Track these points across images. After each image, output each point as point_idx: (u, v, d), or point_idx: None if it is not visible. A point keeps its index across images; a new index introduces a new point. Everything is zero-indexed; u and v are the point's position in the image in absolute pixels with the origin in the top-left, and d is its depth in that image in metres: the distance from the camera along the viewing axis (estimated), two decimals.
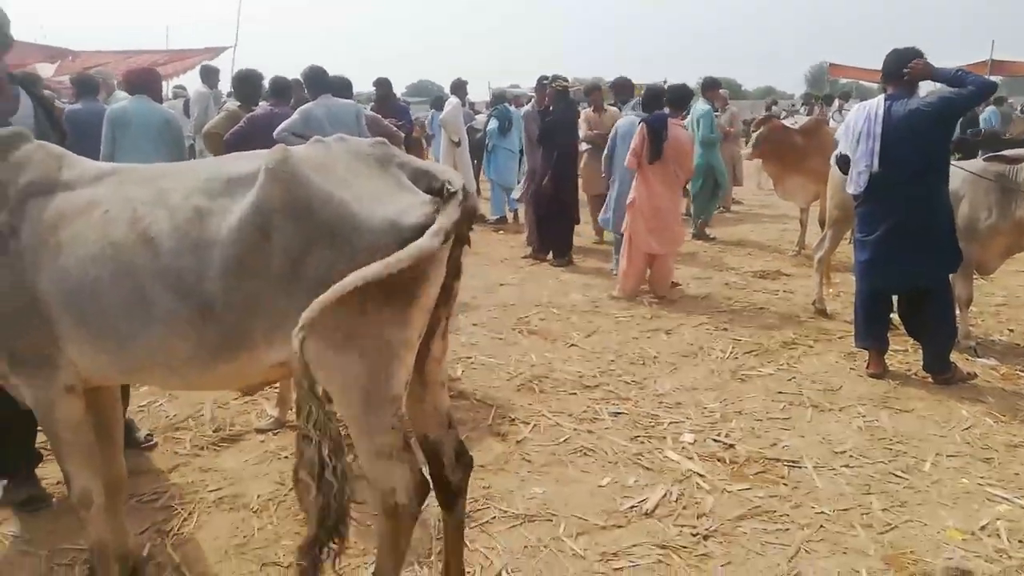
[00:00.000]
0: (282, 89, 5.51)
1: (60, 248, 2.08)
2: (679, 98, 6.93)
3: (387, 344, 1.95)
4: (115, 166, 2.33)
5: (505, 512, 3.10)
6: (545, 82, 8.03)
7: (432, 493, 2.25)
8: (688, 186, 8.49)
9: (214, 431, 3.95)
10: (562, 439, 3.79)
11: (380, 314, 1.91)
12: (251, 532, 3.00)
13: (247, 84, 6.01)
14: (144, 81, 5.76)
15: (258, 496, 3.27)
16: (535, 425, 3.96)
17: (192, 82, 12.04)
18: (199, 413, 4.14)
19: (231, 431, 3.95)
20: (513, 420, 4.02)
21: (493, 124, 9.68)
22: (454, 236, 1.94)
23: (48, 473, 3.34)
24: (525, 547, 2.86)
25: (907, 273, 4.40)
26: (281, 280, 1.92)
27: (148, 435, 3.81)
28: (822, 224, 6.89)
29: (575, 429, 3.90)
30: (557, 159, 7.65)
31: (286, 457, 3.64)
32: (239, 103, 6.00)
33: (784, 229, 9.67)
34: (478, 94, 16.09)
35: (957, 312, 4.89)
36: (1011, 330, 5.54)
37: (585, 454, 3.63)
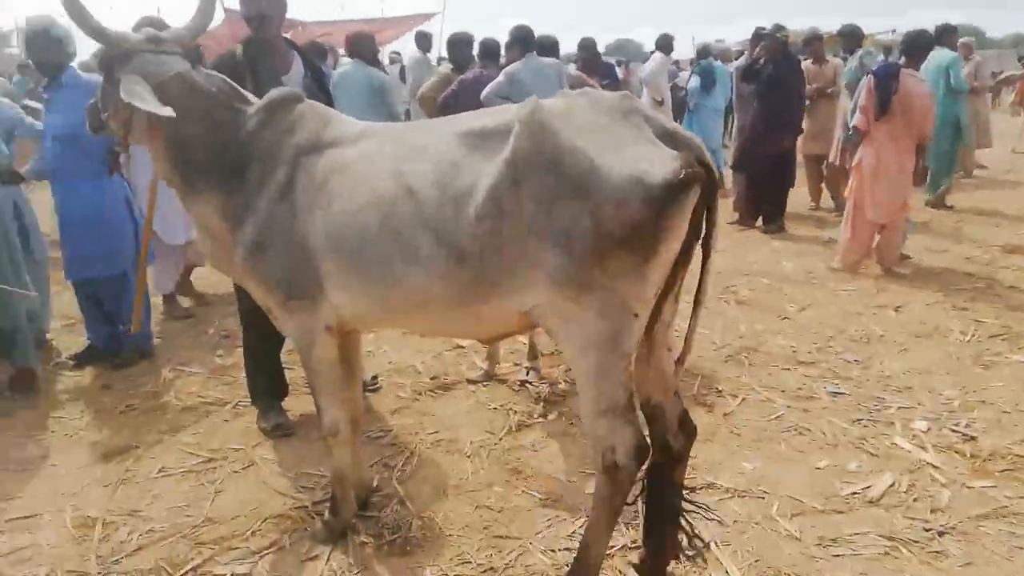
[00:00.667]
0: (491, 51, 5.62)
1: (330, 200, 2.29)
2: (915, 46, 6.11)
3: (623, 299, 1.96)
4: (372, 125, 2.52)
5: (713, 484, 3.03)
6: (763, 32, 7.51)
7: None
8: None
9: (431, 379, 4.22)
10: (774, 415, 3.63)
11: (619, 268, 1.92)
12: (465, 475, 3.19)
13: (458, 48, 6.23)
14: (357, 45, 6.15)
15: (471, 442, 3.46)
16: (744, 399, 3.82)
17: (406, 48, 12.71)
18: (419, 361, 4.45)
19: (445, 380, 4.20)
20: (720, 392, 3.91)
21: (695, 82, 9.20)
22: (698, 194, 1.92)
23: (291, 406, 3.77)
24: (735, 522, 2.79)
25: None
26: (530, 228, 1.98)
27: (374, 378, 4.16)
28: None
29: (788, 406, 3.71)
30: (774, 116, 7.17)
31: (494, 408, 3.83)
32: (452, 66, 6.25)
33: None
34: (682, 51, 15.39)
35: None
36: None
37: (800, 433, 3.45)
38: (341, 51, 7.91)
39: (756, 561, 2.54)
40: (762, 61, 7.33)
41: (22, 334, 4.09)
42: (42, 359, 4.42)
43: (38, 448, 3.48)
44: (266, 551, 2.69)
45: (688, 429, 2.34)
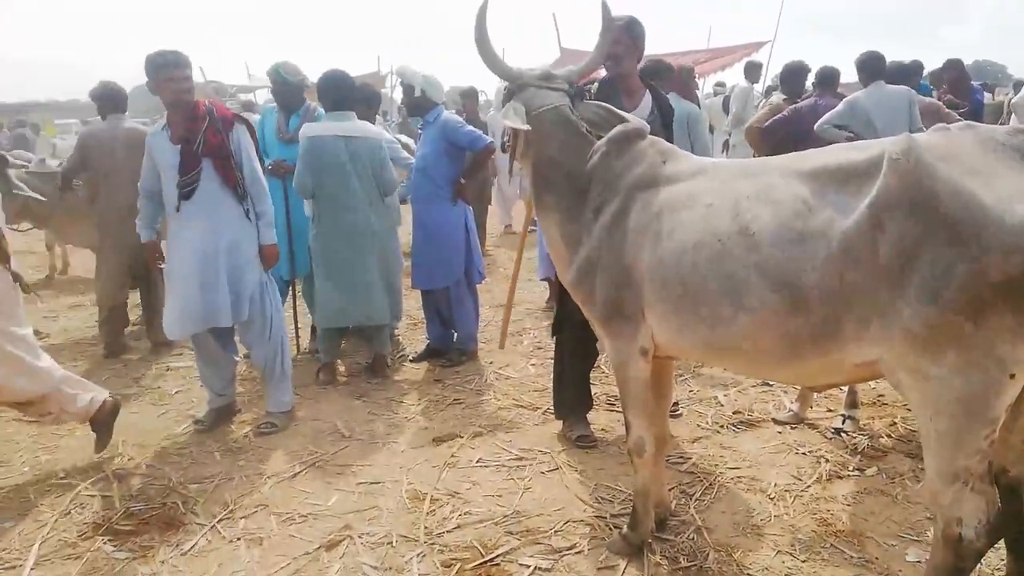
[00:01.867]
0: (828, 79, 5.37)
1: (660, 236, 2.37)
2: None
3: (999, 359, 1.76)
4: (713, 161, 2.56)
5: None
6: None
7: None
8: None
9: (733, 413, 4.13)
10: None
11: (998, 323, 1.73)
12: (768, 516, 3.06)
13: (792, 76, 6.02)
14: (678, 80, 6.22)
15: (775, 484, 3.31)
16: None
17: (733, 78, 12.55)
18: (722, 393, 4.38)
19: (749, 416, 4.07)
20: None
21: None
22: None
23: (593, 419, 3.95)
24: None
25: None
26: (887, 273, 1.86)
27: (675, 404, 4.17)
28: None
29: None
30: None
31: (802, 453, 3.62)
32: (784, 96, 6.06)
33: None
34: None
35: None
36: None
37: None
38: None
39: None
40: None
41: (383, 327, 4.86)
42: (392, 351, 5.17)
43: (383, 426, 4.08)
44: (566, 551, 2.85)
45: None
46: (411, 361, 5.17)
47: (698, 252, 2.23)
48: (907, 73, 5.86)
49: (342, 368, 4.98)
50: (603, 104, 2.88)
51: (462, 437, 3.87)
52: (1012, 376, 1.75)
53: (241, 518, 3.14)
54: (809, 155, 2.19)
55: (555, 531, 2.99)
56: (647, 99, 3.65)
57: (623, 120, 2.73)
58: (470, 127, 5.00)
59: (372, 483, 3.44)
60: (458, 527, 3.04)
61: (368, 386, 4.67)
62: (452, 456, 3.66)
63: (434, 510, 3.17)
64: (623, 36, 3.53)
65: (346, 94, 4.59)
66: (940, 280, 1.75)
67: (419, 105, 4.92)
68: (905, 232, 1.81)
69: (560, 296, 3.87)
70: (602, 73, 3.69)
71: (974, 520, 1.87)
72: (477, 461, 3.61)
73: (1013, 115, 8.69)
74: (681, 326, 2.36)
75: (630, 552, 2.80)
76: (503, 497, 3.27)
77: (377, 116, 6.03)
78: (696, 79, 9.14)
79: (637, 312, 2.49)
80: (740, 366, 2.46)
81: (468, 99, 9.31)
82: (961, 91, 7.01)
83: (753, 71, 9.28)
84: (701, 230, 2.25)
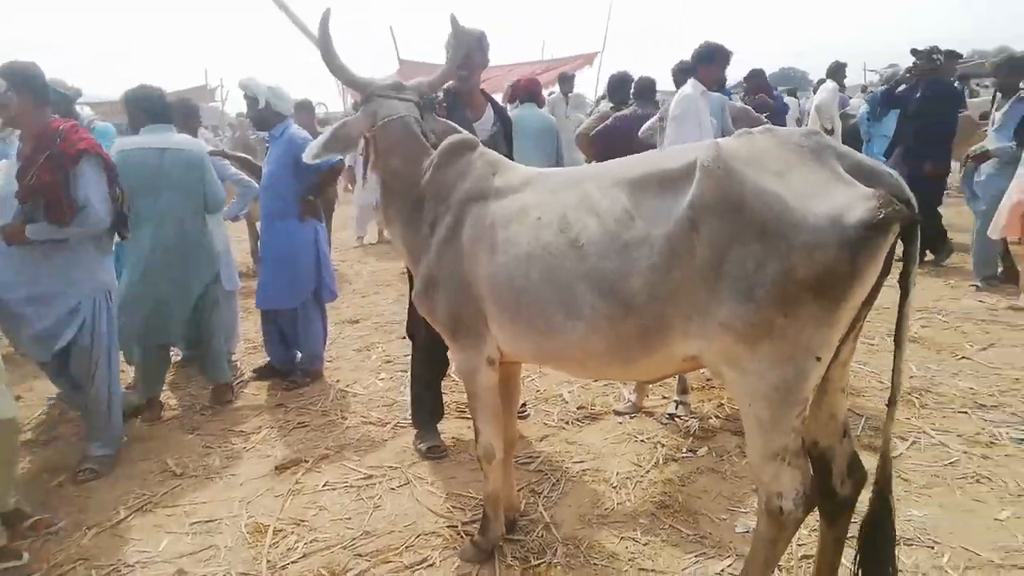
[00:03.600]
0: (645, 89, 5.71)
1: (495, 248, 2.41)
2: None
3: (807, 345, 1.88)
4: (542, 172, 2.60)
5: None
6: (917, 53, 7.06)
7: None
8: None
9: (577, 408, 4.26)
10: (948, 461, 3.35)
11: (806, 314, 1.84)
12: (611, 505, 3.18)
13: (617, 86, 6.33)
14: (530, 91, 6.50)
15: (617, 473, 3.45)
16: (914, 442, 3.55)
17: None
18: (567, 391, 4.51)
19: (592, 410, 4.22)
20: None
21: (864, 108, 8.76)
22: (896, 232, 1.81)
23: (443, 429, 3.94)
24: (900, 572, 2.59)
25: None
26: (704, 273, 1.94)
27: (523, 405, 4.25)
28: None
29: (965, 452, 3.41)
30: (925, 141, 6.68)
31: (641, 440, 3.80)
32: (611, 105, 6.37)
33: None
34: (854, 79, 14.66)
35: None
36: None
37: (978, 481, 3.16)
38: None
39: None
40: (903, 86, 7.04)
41: (220, 355, 4.59)
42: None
43: (220, 459, 3.85)
44: (418, 566, 2.82)
45: (858, 476, 2.21)
46: (252, 372, 5.00)
47: (530, 265, 2.29)
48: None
49: (173, 401, 4.66)
50: (447, 121, 2.93)
51: (307, 462, 3.72)
52: (818, 359, 1.89)
53: None
54: (628, 163, 2.27)
55: (407, 547, 2.94)
56: (489, 111, 3.72)
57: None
58: None
59: (207, 521, 3.23)
60: (304, 556, 2.92)
61: (202, 418, 4.39)
62: (296, 483, 3.52)
63: (277, 542, 3.03)
64: (477, 50, 3.59)
65: (155, 107, 4.30)
66: (753, 278, 1.84)
67: (264, 118, 4.76)
68: (718, 234, 1.89)
69: (411, 303, 3.84)
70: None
71: (792, 492, 2.01)
72: (324, 485, 3.49)
73: (812, 116, 9.64)
74: (521, 336, 2.41)
75: (482, 558, 2.81)
76: (352, 519, 3.18)
77: (203, 130, 5.71)
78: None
79: (480, 324, 2.52)
80: (578, 369, 2.53)
81: (303, 112, 9.00)
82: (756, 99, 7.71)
83: (566, 83, 9.78)
84: (532, 243, 2.30)
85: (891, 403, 2.05)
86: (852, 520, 2.23)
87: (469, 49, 3.55)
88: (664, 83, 5.96)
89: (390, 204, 2.81)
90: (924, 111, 6.64)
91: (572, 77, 10.09)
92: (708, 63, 4.82)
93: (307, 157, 2.70)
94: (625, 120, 5.44)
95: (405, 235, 2.76)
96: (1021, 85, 5.85)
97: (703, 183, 1.94)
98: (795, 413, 1.95)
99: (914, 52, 6.93)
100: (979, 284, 6.13)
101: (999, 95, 6.38)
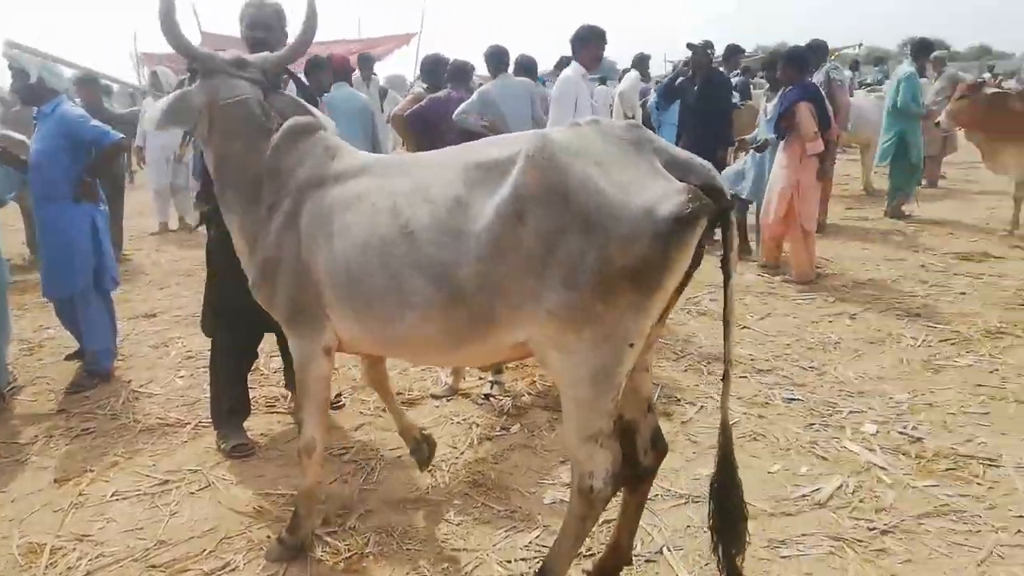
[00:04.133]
0: (458, 72, 5.73)
1: (332, 235, 2.35)
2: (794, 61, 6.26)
3: (624, 331, 1.96)
4: (380, 158, 2.61)
5: (669, 491, 3.08)
6: (692, 46, 7.31)
7: None
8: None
9: (395, 395, 4.22)
10: (731, 423, 3.68)
11: (623, 302, 1.92)
12: (426, 489, 3.20)
13: (432, 68, 6.33)
14: (344, 70, 6.32)
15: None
16: (702, 407, 3.88)
17: (384, 70, 12.79)
18: None
19: (410, 395, 4.20)
20: (679, 400, 3.96)
21: (653, 98, 9.33)
22: (705, 224, 1.92)
23: (250, 425, 3.76)
24: (688, 527, 2.83)
25: None
26: (531, 263, 1.97)
27: (338, 396, 4.16)
28: None
29: (745, 413, 3.78)
30: (704, 129, 7.15)
31: (457, 422, 3.84)
32: (424, 86, 6.35)
33: (993, 208, 8.63)
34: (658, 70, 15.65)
35: None
36: None
37: (755, 439, 3.51)
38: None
39: (706, 564, 2.58)
40: (681, 78, 7.33)
41: None
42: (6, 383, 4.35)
43: None
44: (219, 572, 2.67)
45: (660, 446, 2.38)
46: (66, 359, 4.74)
47: (366, 252, 2.26)
48: (528, 67, 6.48)
49: None
50: (296, 98, 2.81)
51: (92, 471, 3.40)
52: (631, 345, 1.99)
53: None
54: (460, 151, 2.29)
55: (208, 553, 2.78)
56: (291, 87, 3.53)
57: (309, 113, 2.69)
58: (95, 121, 4.46)
59: None
60: (87, 574, 2.67)
61: None
62: (80, 495, 3.20)
63: (56, 561, 2.75)
64: (276, 26, 3.45)
65: None
66: (576, 265, 1.90)
67: (35, 93, 4.32)
68: (544, 224, 1.94)
69: (209, 287, 3.61)
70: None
71: (603, 472, 2.11)
72: (112, 495, 3.20)
73: (615, 104, 10.15)
74: (358, 324, 2.40)
75: (290, 556, 2.72)
76: (144, 529, 2.95)
77: None
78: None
79: (319, 311, 2.47)
80: (413, 356, 2.57)
81: (85, 86, 8.07)
82: None
83: (366, 63, 9.59)
84: (367, 231, 2.27)
85: (725, 377, 2.21)
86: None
87: (267, 24, 3.39)
88: (482, 68, 6.03)
89: (227, 187, 2.67)
90: (701, 101, 7.16)
91: (372, 59, 9.89)
92: (586, 43, 5.05)
93: (151, 126, 2.58)
94: (439, 102, 5.45)
95: (243, 222, 2.64)
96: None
97: (528, 173, 1.98)
98: (611, 397, 2.05)
99: (690, 46, 7.26)
100: (761, 261, 6.77)
101: (770, 89, 7.09)
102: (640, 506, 2.43)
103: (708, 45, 7.45)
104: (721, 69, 8.16)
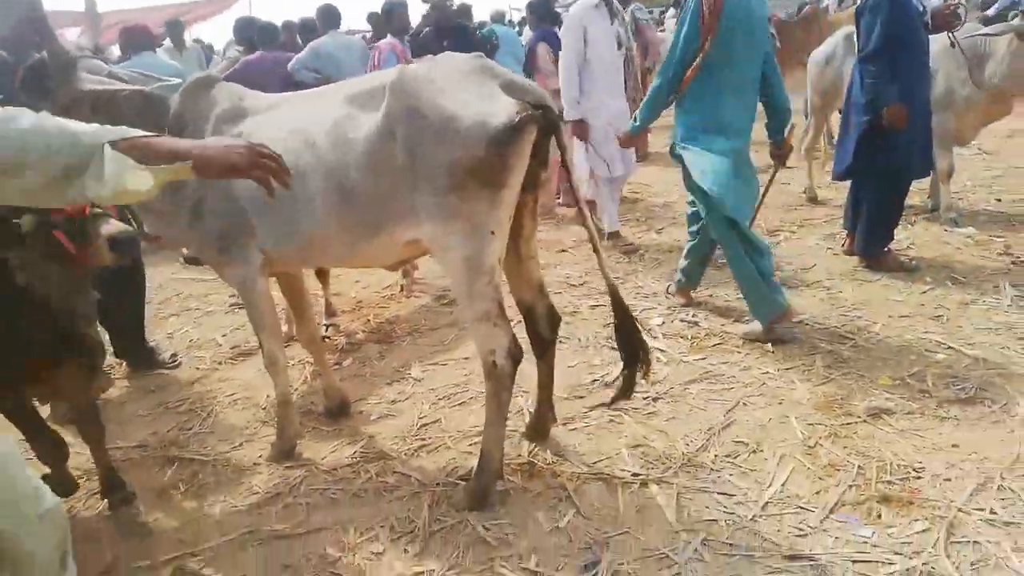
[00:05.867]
0: (267, 34, 5.91)
1: None
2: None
3: (482, 223, 2.38)
4: (284, 95, 2.98)
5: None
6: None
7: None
8: None
9: (231, 348, 4.36)
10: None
11: (476, 199, 2.35)
12: (259, 426, 3.42)
13: (243, 32, 6.33)
14: (146, 38, 6.13)
15: (267, 396, 3.65)
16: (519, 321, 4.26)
17: (208, 34, 12.21)
18: (220, 335, 4.58)
19: (246, 348, 4.35)
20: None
21: None
22: (536, 132, 2.36)
23: None
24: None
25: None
26: (404, 170, 2.41)
27: (173, 355, 4.25)
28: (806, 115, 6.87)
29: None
30: None
31: (292, 364, 4.03)
32: (239, 49, 6.34)
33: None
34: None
35: (940, 185, 5.02)
36: (999, 200, 5.60)
37: (562, 341, 3.92)
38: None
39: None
40: (424, 31, 6.47)
41: None
42: None
43: None
44: None
45: (554, 320, 2.88)
46: None
47: None
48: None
49: None
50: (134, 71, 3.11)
51: None
52: (492, 233, 2.40)
53: None
54: (346, 85, 2.75)
55: None
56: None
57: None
58: None
59: None
60: None
61: None
62: None
63: None
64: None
65: None
66: (435, 170, 2.34)
67: None
68: (407, 137, 2.37)
69: None
70: None
71: (502, 349, 2.50)
72: None
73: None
74: (280, 237, 2.74)
75: (283, 458, 3.07)
76: None
77: None
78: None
79: (248, 234, 2.78)
80: (326, 259, 3.08)
81: None
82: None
83: (175, 29, 9.24)
84: (281, 148, 2.48)
85: (596, 251, 2.70)
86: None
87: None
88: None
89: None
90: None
91: (181, 24, 9.51)
92: None
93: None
94: (253, 64, 5.55)
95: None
96: None
97: (390, 98, 2.43)
98: (485, 281, 2.43)
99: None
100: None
101: None
102: (551, 369, 2.92)
103: None
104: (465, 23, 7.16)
